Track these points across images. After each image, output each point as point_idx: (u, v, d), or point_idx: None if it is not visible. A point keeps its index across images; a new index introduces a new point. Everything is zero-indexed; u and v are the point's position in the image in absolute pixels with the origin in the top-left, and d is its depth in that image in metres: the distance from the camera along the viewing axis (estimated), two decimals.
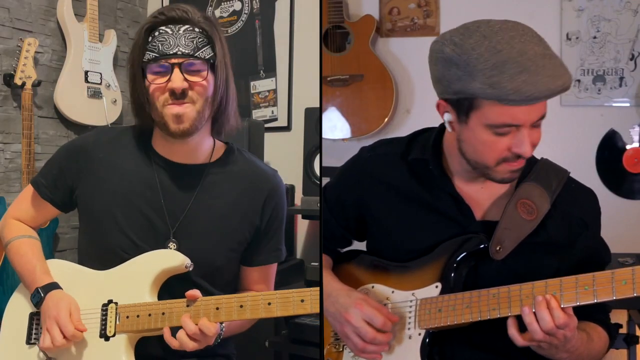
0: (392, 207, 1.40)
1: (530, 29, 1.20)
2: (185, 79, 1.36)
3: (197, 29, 1.39)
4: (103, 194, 1.47)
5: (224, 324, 1.36)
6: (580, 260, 1.28)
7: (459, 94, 1.21)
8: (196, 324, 1.30)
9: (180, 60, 1.36)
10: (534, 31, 1.20)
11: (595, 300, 1.13)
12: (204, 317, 1.30)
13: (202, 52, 1.38)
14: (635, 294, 1.09)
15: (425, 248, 1.34)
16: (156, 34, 1.38)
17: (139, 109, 1.44)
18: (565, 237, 1.31)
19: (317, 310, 1.26)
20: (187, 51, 1.36)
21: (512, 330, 1.19)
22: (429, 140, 1.38)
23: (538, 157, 1.38)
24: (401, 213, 1.39)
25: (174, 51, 1.36)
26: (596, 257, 1.33)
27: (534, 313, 1.16)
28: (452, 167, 1.36)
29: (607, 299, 1.12)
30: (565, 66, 1.17)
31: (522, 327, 1.20)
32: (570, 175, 1.35)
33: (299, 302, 1.28)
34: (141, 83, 1.40)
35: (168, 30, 1.38)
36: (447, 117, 1.27)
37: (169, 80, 1.36)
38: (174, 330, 1.35)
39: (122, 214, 1.44)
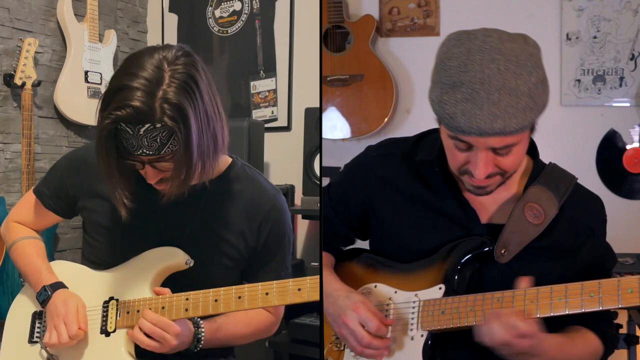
0: (397, 208, 1.40)
1: (532, 58, 1.14)
2: (160, 171, 1.30)
3: (158, 125, 1.21)
4: (104, 206, 1.46)
5: (202, 329, 1.37)
6: (585, 267, 1.28)
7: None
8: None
9: (149, 159, 1.26)
10: (533, 62, 1.13)
11: (601, 308, 1.12)
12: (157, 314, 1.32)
13: (168, 147, 1.24)
14: None
15: (429, 249, 1.34)
16: (118, 127, 1.22)
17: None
18: (571, 243, 1.30)
19: (314, 298, 1.26)
20: (151, 152, 1.24)
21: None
22: (436, 141, 1.36)
23: (544, 160, 1.37)
24: (406, 214, 1.38)
25: (138, 152, 1.24)
26: (601, 263, 1.32)
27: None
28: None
29: (612, 307, 1.11)
30: (525, 112, 1.11)
31: None
32: (578, 181, 1.34)
33: (296, 290, 1.28)
34: (114, 173, 1.29)
35: (128, 129, 1.22)
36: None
37: (144, 170, 1.30)
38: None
39: (123, 227, 1.43)
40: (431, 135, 1.41)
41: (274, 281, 1.31)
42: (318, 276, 1.26)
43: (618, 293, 1.10)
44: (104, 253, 1.47)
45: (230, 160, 1.51)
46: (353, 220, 1.49)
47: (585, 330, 1.30)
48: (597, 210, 1.36)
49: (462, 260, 1.29)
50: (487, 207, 1.34)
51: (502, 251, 1.27)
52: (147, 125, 1.21)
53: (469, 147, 1.18)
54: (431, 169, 1.35)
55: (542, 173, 1.33)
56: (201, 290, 1.34)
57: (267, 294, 1.30)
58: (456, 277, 1.29)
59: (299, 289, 1.28)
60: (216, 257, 1.46)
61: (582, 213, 1.32)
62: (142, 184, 1.37)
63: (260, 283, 1.32)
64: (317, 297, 1.26)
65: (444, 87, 1.14)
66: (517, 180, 1.34)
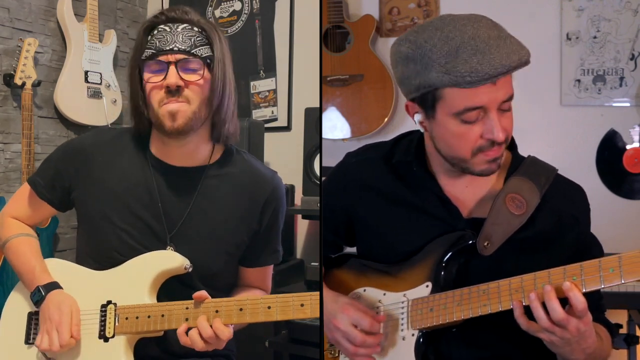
0: (380, 211, 1.40)
1: (485, 17, 1.21)
2: (181, 78, 1.36)
3: (195, 28, 1.40)
4: (100, 196, 1.46)
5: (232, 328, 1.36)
6: (570, 257, 1.27)
7: (421, 89, 1.22)
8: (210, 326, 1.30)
9: (177, 58, 1.36)
10: (489, 18, 1.21)
11: (584, 290, 1.12)
12: (218, 319, 1.30)
13: (199, 49, 1.38)
14: (622, 281, 1.08)
15: (415, 249, 1.34)
16: (155, 32, 1.39)
17: (136, 109, 1.44)
18: (555, 232, 1.30)
19: (317, 314, 1.26)
20: (183, 47, 1.37)
21: (518, 313, 1.16)
22: (413, 142, 1.39)
23: (538, 156, 1.38)
24: (389, 216, 1.39)
25: (171, 47, 1.36)
26: (587, 253, 1.32)
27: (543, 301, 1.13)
28: (435, 168, 1.36)
29: (595, 288, 1.11)
30: (521, 44, 1.18)
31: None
32: (559, 172, 1.35)
33: (298, 306, 1.28)
34: (137, 82, 1.41)
35: (166, 28, 1.39)
36: (417, 117, 1.29)
37: (164, 78, 1.36)
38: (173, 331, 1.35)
39: (119, 216, 1.44)
40: (407, 138, 1.43)
41: (276, 295, 1.31)
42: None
43: (600, 273, 1.10)
44: (100, 245, 1.45)
45: (224, 147, 1.54)
46: (339, 227, 1.50)
47: (598, 325, 1.28)
48: (579, 199, 1.36)
49: (446, 257, 1.30)
50: (467, 203, 1.35)
51: (485, 243, 1.27)
52: (185, 24, 1.40)
53: (479, 115, 1.20)
54: (409, 169, 1.36)
55: (521, 165, 1.33)
56: (202, 301, 1.33)
57: (269, 307, 1.30)
58: (442, 274, 1.29)
59: (302, 305, 1.28)
60: (217, 242, 1.46)
61: (565, 202, 1.32)
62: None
63: (261, 296, 1.33)
64: (318, 314, 1.26)
65: (440, 60, 1.17)
66: (496, 174, 1.34)
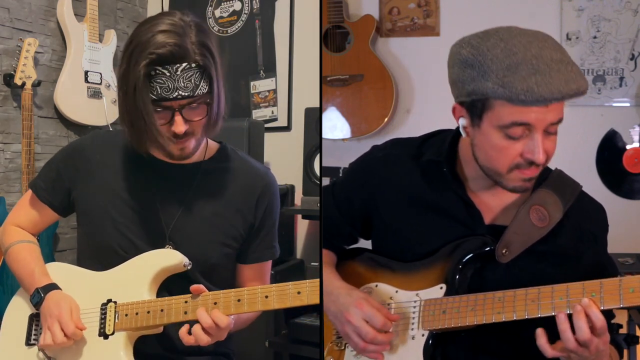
0: (401, 208, 1.40)
1: (551, 37, 1.20)
2: (186, 120, 1.35)
3: (193, 64, 1.31)
4: (100, 195, 1.48)
5: (232, 318, 1.37)
6: (586, 274, 1.27)
7: (472, 95, 1.21)
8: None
9: (180, 104, 1.32)
10: (554, 40, 1.20)
11: (602, 307, 1.11)
12: (216, 310, 1.31)
13: (200, 89, 1.33)
14: None
15: (431, 250, 1.34)
16: (152, 73, 1.30)
17: (138, 135, 1.38)
18: (574, 249, 1.30)
19: (314, 301, 1.26)
20: (186, 93, 1.31)
21: (541, 341, 1.15)
22: (445, 142, 1.38)
23: (551, 166, 1.38)
24: (409, 214, 1.39)
25: (174, 95, 1.31)
26: (602, 273, 1.30)
27: (569, 320, 1.13)
28: (467, 173, 1.36)
29: (614, 307, 1.11)
30: (582, 74, 1.17)
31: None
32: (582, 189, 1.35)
33: (295, 294, 1.28)
34: (142, 114, 1.33)
35: (165, 72, 1.30)
36: (462, 122, 1.27)
37: (170, 122, 1.34)
38: (176, 328, 1.36)
39: (119, 214, 1.45)
40: (438, 137, 1.42)
41: (273, 284, 1.32)
42: (318, 279, 1.26)
43: (620, 292, 1.10)
44: (101, 242, 1.46)
45: (218, 144, 1.56)
46: (356, 219, 1.50)
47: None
48: (600, 218, 1.36)
49: (464, 260, 1.29)
50: (492, 209, 1.35)
51: (504, 251, 1.27)
52: (184, 64, 1.30)
53: (524, 132, 1.19)
54: (438, 169, 1.36)
55: (548, 177, 1.33)
56: (200, 294, 1.34)
57: (266, 296, 1.30)
58: (457, 277, 1.29)
59: (299, 292, 1.28)
60: (215, 233, 1.47)
61: (586, 220, 1.32)
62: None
63: (259, 286, 1.33)
64: (316, 300, 1.26)
65: (499, 72, 1.15)
66: None
